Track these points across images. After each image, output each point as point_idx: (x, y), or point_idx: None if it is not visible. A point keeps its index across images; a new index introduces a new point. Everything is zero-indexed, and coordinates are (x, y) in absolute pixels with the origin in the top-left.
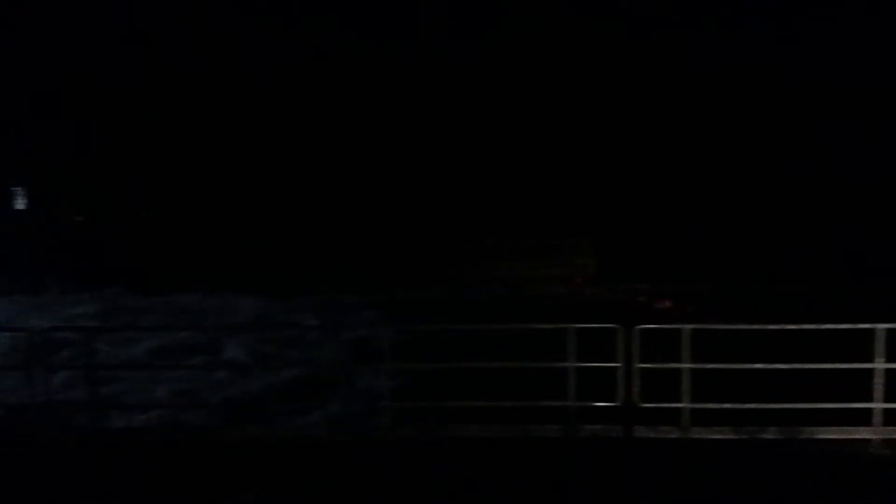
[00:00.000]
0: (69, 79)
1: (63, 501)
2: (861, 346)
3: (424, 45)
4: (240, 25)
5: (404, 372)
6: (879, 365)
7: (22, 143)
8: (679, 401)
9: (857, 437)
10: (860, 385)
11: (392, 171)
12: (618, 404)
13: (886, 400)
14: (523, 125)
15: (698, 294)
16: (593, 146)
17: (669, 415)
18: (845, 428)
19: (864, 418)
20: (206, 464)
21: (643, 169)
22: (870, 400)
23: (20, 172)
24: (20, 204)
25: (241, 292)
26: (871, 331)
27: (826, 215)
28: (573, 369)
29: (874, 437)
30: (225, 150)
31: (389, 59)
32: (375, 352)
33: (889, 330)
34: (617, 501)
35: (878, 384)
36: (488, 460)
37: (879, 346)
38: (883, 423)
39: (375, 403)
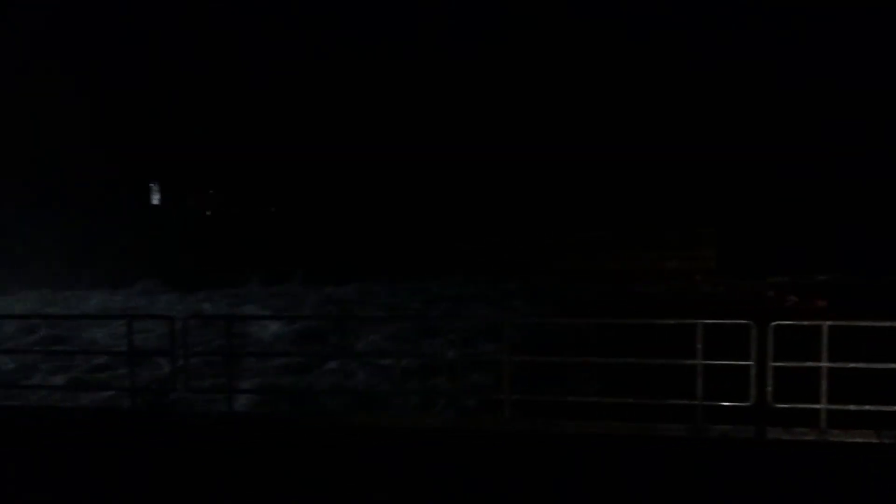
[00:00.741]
0: (202, 82)
1: (201, 480)
2: None
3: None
4: (350, 27)
5: (524, 364)
6: None
7: (158, 142)
8: (816, 402)
9: None
10: None
11: (509, 160)
12: (749, 404)
13: None
14: (639, 110)
15: (830, 288)
16: (722, 133)
17: (805, 416)
18: None
19: None
20: (334, 449)
21: (770, 159)
22: None
23: (156, 169)
24: (155, 199)
25: (371, 280)
26: None
27: None
28: (701, 367)
29: None
30: (346, 142)
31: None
32: (495, 342)
33: None
34: None
35: None
36: (609, 458)
37: None
38: None
39: (494, 395)
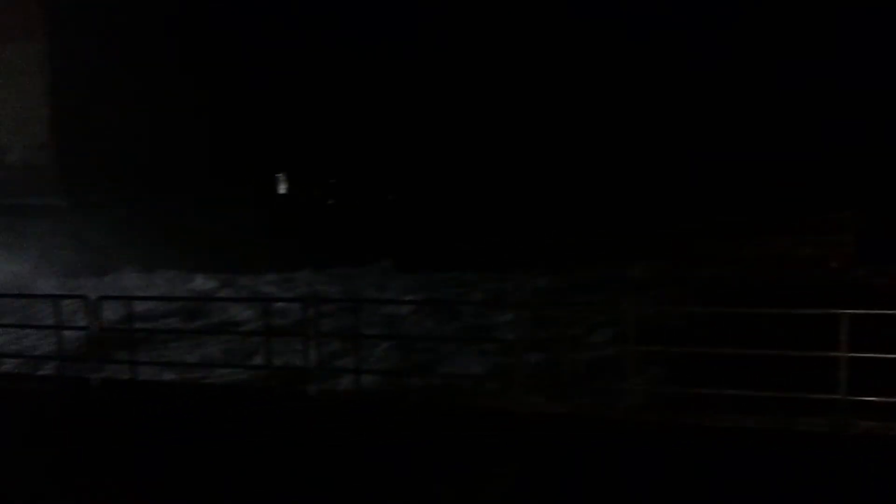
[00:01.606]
0: (323, 74)
1: (329, 456)
2: None
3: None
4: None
5: (657, 354)
6: None
7: (285, 135)
8: None
9: None
10: None
11: (649, 143)
12: None
13: None
14: (767, 88)
15: None
16: (858, 113)
17: None
18: None
19: None
20: (457, 431)
21: None
22: None
23: (283, 160)
24: (282, 189)
25: (494, 270)
26: None
27: None
28: (846, 360)
29: None
30: (466, 131)
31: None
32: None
33: None
34: None
35: None
36: (743, 454)
37: None
38: None
39: (624, 383)
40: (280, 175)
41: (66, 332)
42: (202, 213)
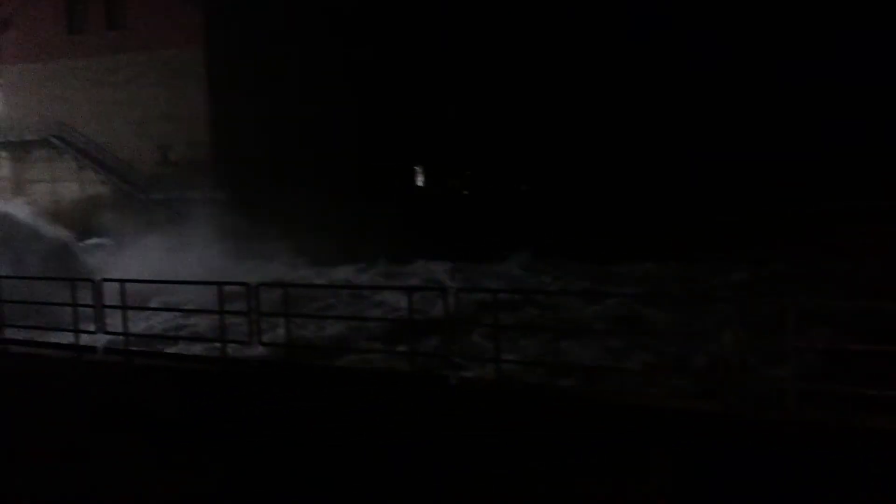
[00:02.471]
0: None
1: (469, 443)
2: None
3: None
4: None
5: (810, 351)
6: None
7: (422, 128)
8: None
9: None
10: None
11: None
12: None
13: None
14: None
15: None
16: None
17: None
18: None
19: None
20: (596, 426)
21: None
22: None
23: (420, 154)
24: (420, 181)
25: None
26: None
27: None
28: None
29: None
30: (603, 119)
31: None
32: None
33: None
34: None
35: None
36: None
37: None
38: None
39: (777, 383)
40: (418, 167)
41: (229, 317)
42: (344, 205)
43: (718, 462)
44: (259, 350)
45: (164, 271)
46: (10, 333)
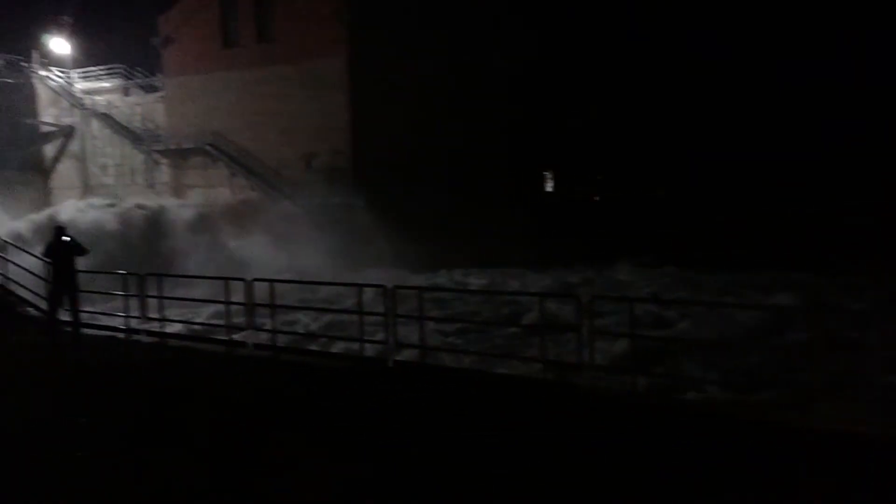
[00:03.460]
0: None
1: (599, 456)
2: None
3: None
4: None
5: None
6: None
7: (552, 132)
8: None
9: None
10: None
11: None
12: None
13: None
14: None
15: None
16: None
17: None
18: None
19: None
20: (743, 447)
21: None
22: None
23: (551, 159)
24: (549, 187)
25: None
26: None
27: None
28: None
29: None
30: (740, 123)
31: None
32: None
33: None
34: None
35: None
36: None
37: None
38: None
39: None
40: (547, 173)
41: (367, 317)
42: (475, 210)
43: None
44: (396, 352)
45: (307, 272)
46: (169, 327)
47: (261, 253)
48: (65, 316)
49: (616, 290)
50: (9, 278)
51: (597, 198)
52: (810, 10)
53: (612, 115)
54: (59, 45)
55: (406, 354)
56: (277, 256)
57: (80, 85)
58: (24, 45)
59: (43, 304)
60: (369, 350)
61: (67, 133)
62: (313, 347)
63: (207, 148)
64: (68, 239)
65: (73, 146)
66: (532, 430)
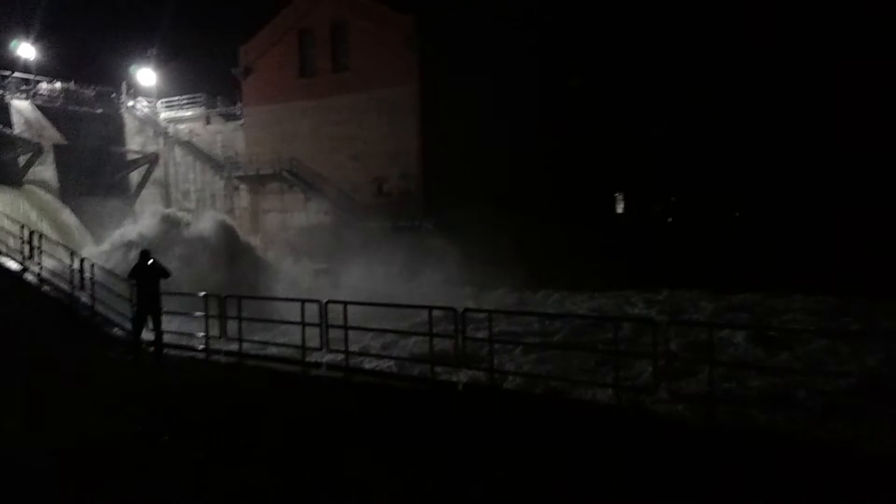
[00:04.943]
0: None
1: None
2: None
3: None
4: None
5: None
6: None
7: (621, 156)
8: None
9: None
10: None
11: None
12: None
13: None
14: None
15: None
16: None
17: None
18: None
19: None
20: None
21: None
22: None
23: (621, 180)
24: (619, 208)
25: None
26: None
27: None
28: None
29: None
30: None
31: None
32: None
33: None
34: None
35: None
36: None
37: None
38: None
39: None
40: (618, 195)
41: (437, 339)
42: (545, 232)
43: None
44: (463, 372)
45: (378, 294)
46: (246, 348)
47: (333, 274)
48: (149, 336)
49: (683, 314)
50: (96, 298)
51: (670, 219)
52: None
53: (687, 134)
54: (146, 76)
55: (477, 376)
56: (350, 278)
57: (164, 114)
58: (114, 77)
59: (128, 325)
60: (441, 372)
61: (152, 160)
62: (385, 368)
63: (284, 174)
64: (152, 261)
65: (157, 172)
66: (601, 457)
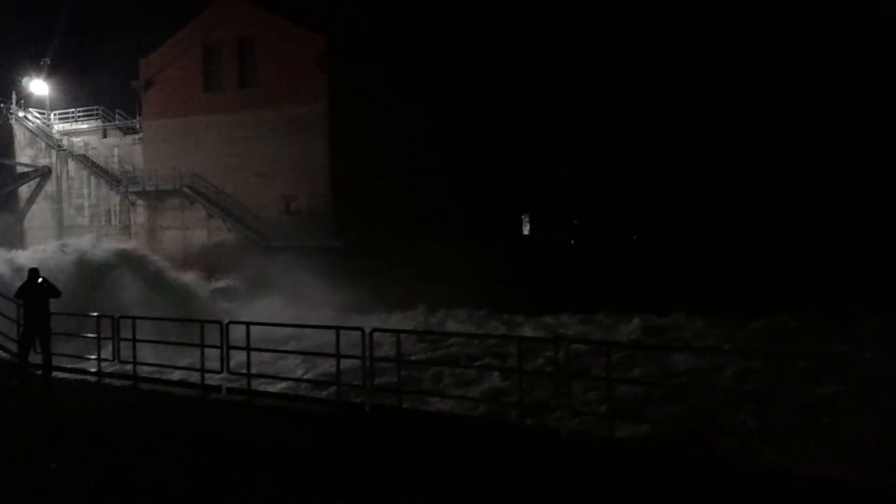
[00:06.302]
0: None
1: None
2: None
3: None
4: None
5: None
6: None
7: (527, 178)
8: None
9: None
10: None
11: None
12: None
13: None
14: None
15: None
16: None
17: None
18: None
19: None
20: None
21: None
22: None
23: (526, 202)
24: (525, 230)
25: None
26: None
27: None
28: None
29: None
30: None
31: None
32: None
33: None
34: None
35: None
36: None
37: None
38: None
39: None
40: (524, 216)
41: (344, 360)
42: (452, 253)
43: None
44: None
45: (284, 315)
46: (141, 371)
47: (234, 294)
48: (36, 359)
49: (584, 334)
50: None
51: (572, 241)
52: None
53: (590, 160)
54: (38, 86)
55: (383, 398)
56: (253, 298)
57: (58, 126)
58: (3, 87)
59: (13, 347)
60: (348, 393)
61: (43, 174)
62: (290, 391)
63: (185, 189)
64: (41, 281)
65: (49, 187)
66: (508, 477)
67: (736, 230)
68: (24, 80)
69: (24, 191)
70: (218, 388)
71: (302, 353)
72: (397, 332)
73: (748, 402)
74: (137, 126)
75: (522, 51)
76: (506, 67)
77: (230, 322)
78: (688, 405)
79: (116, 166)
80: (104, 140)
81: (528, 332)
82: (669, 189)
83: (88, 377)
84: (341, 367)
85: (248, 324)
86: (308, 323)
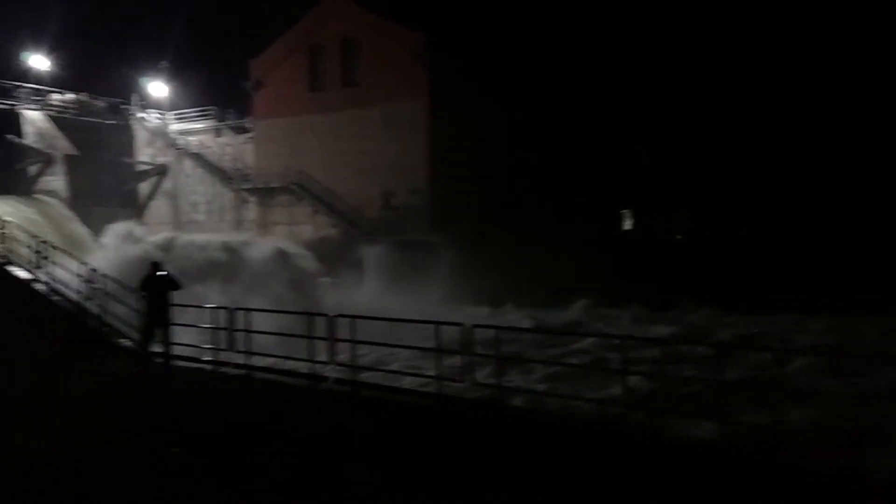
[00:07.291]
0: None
1: None
2: None
3: None
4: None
5: None
6: None
7: (627, 175)
8: None
9: None
10: None
11: None
12: None
13: None
14: None
15: None
16: None
17: None
18: None
19: None
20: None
21: None
22: None
23: (628, 196)
24: (627, 225)
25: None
26: None
27: None
28: None
29: None
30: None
31: None
32: None
33: None
34: None
35: None
36: None
37: None
38: None
39: None
40: (625, 211)
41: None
42: (551, 249)
43: None
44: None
45: (385, 308)
46: (256, 360)
47: (338, 287)
48: (157, 348)
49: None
50: (105, 310)
51: (679, 236)
52: None
53: (696, 150)
54: (157, 88)
55: (485, 393)
56: (356, 291)
57: (174, 126)
58: (125, 89)
59: (136, 336)
60: (449, 387)
61: (161, 171)
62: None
63: (292, 187)
64: (164, 273)
65: (167, 184)
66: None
67: (857, 226)
68: (144, 82)
69: (144, 188)
70: (325, 379)
71: (403, 347)
72: (498, 328)
73: None
74: (248, 125)
75: (616, 45)
76: (602, 62)
77: (337, 315)
78: None
79: (229, 164)
80: (217, 139)
81: (662, 330)
82: (782, 184)
83: (205, 366)
84: (441, 362)
85: (353, 317)
86: (406, 316)
